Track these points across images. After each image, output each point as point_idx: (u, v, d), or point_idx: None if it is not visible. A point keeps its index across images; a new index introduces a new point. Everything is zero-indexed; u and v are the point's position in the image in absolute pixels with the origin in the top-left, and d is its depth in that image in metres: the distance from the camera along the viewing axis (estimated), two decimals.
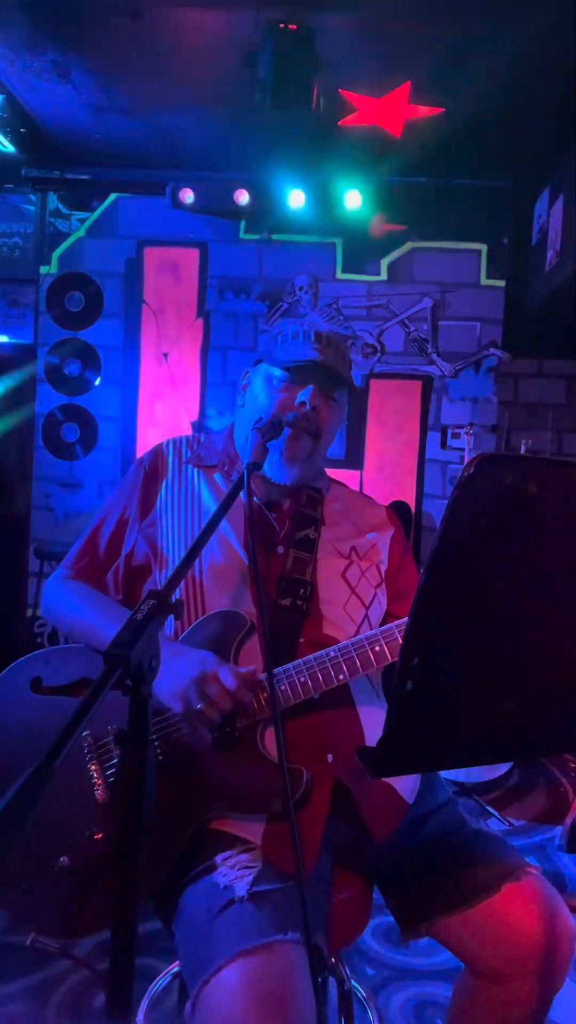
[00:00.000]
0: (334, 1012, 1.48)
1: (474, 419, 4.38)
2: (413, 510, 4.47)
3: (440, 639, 0.79)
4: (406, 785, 1.37)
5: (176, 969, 1.50)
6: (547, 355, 5.05)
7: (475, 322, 4.45)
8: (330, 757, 1.27)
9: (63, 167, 4.41)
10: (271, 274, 4.53)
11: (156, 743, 1.25)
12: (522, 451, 3.99)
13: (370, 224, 4.38)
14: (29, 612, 4.55)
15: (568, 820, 2.98)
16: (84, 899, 1.20)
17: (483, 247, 4.44)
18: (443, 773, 1.98)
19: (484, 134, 3.79)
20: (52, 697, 1.33)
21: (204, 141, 4.06)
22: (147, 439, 4.55)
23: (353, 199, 4.20)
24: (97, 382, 4.61)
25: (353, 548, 1.48)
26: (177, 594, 1.33)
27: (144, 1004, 1.58)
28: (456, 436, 4.39)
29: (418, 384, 4.50)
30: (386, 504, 1.65)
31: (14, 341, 4.74)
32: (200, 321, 4.57)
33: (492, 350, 4.45)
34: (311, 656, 1.25)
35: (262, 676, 1.23)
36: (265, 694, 1.24)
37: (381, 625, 1.29)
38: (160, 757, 1.25)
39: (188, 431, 4.51)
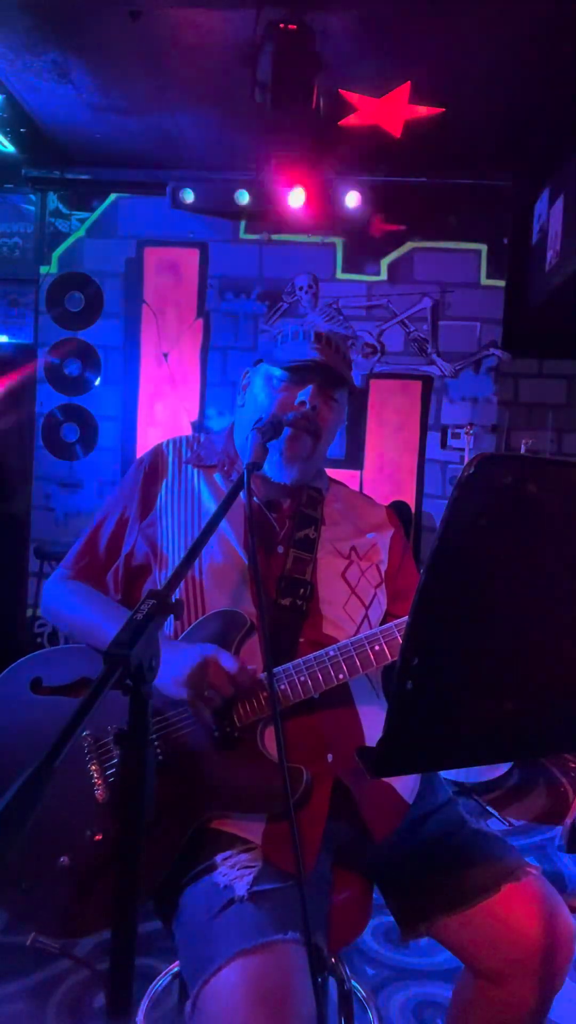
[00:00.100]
0: (334, 1012, 1.48)
1: (474, 419, 4.38)
2: (413, 510, 4.47)
3: (440, 639, 0.79)
4: (406, 785, 1.37)
5: (176, 969, 1.49)
6: (547, 355, 5.06)
7: (475, 322, 4.45)
8: (330, 757, 1.27)
9: (63, 167, 4.41)
10: (271, 274, 4.53)
11: (156, 743, 1.25)
12: (522, 451, 3.99)
13: (370, 224, 4.38)
14: (29, 612, 4.55)
15: (568, 820, 2.98)
16: (84, 899, 1.20)
17: (483, 247, 4.44)
18: (443, 773, 1.98)
19: (484, 134, 3.80)
20: (52, 697, 1.33)
21: (204, 141, 4.06)
22: (147, 439, 4.55)
23: (353, 199, 4.20)
24: (97, 382, 4.61)
25: (353, 548, 1.48)
26: (177, 594, 1.33)
27: (144, 1004, 1.58)
28: (456, 436, 4.40)
29: (418, 384, 4.50)
30: (386, 504, 1.65)
31: (14, 341, 4.74)
32: (200, 321, 4.57)
33: (492, 350, 4.45)
34: (311, 656, 1.25)
35: (262, 676, 1.24)
36: (265, 693, 1.24)
37: (381, 625, 1.29)
38: (160, 757, 1.25)
39: (188, 431, 4.52)
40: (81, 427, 4.62)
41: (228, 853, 1.20)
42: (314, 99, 3.03)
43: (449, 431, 4.47)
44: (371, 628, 1.30)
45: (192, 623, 1.34)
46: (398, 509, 4.22)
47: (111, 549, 1.48)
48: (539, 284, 4.24)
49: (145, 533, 1.45)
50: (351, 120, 3.57)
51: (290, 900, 1.10)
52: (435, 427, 4.50)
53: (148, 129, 3.95)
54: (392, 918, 1.37)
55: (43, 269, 4.60)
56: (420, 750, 0.85)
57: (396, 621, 1.26)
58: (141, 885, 0.84)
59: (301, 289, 4.51)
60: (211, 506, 1.44)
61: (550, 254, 4.02)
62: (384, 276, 4.51)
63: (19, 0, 2.88)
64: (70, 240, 4.61)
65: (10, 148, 4.17)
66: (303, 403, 1.39)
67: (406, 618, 1.22)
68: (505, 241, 4.43)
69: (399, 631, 1.24)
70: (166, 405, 4.61)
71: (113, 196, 4.57)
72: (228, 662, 1.20)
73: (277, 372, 1.42)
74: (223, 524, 1.38)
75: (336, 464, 4.42)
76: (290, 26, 2.84)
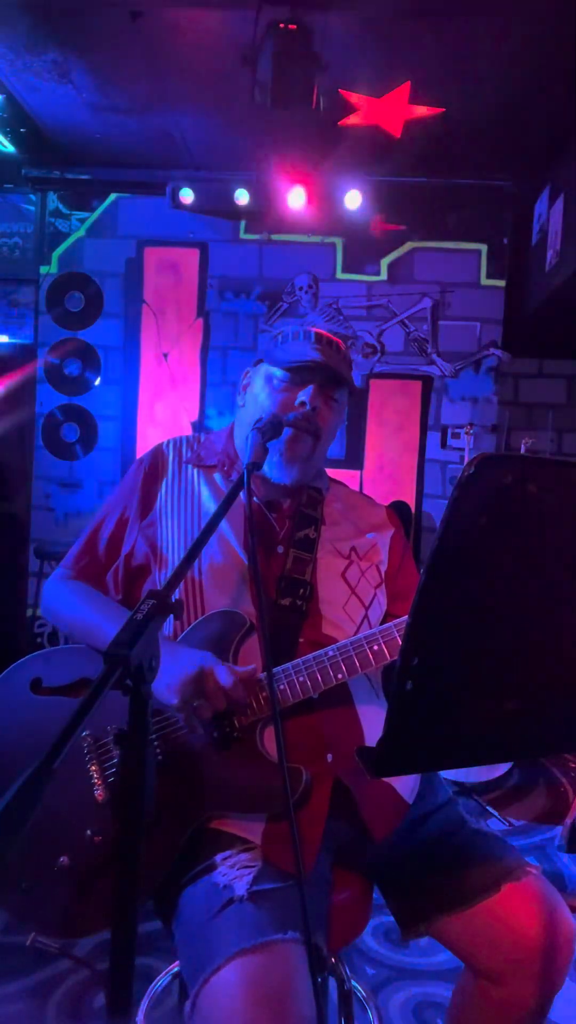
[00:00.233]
0: (334, 1012, 1.48)
1: (474, 419, 4.38)
2: (413, 510, 4.47)
3: (440, 639, 0.79)
4: (406, 785, 1.37)
5: (176, 969, 1.49)
6: (547, 355, 5.06)
7: (475, 322, 4.45)
8: (330, 757, 1.27)
9: (63, 167, 4.41)
10: (271, 274, 4.53)
11: (156, 743, 1.25)
12: (522, 451, 3.99)
13: (370, 224, 4.38)
14: (29, 612, 4.55)
15: (568, 820, 2.98)
16: (84, 899, 1.20)
17: (483, 247, 4.44)
18: (443, 773, 1.98)
19: (484, 134, 3.79)
20: (52, 697, 1.33)
21: (204, 141, 4.05)
22: (147, 439, 4.55)
23: (353, 199, 4.20)
24: (97, 382, 4.61)
25: (353, 548, 1.48)
26: (177, 594, 1.33)
27: (144, 1004, 1.58)
28: (456, 436, 4.39)
29: (418, 384, 4.50)
30: (386, 504, 1.65)
31: (14, 341, 4.74)
32: (200, 321, 4.57)
33: (492, 350, 4.45)
34: (310, 656, 1.25)
35: (261, 676, 1.24)
36: (264, 694, 1.24)
37: (381, 625, 1.29)
38: (160, 757, 1.25)
39: (188, 431, 4.51)
40: (81, 427, 4.62)
41: (228, 853, 1.20)
42: (314, 99, 3.03)
43: (449, 431, 4.47)
44: (371, 628, 1.30)
45: (192, 623, 1.34)
46: (398, 509, 4.22)
47: (111, 549, 1.48)
48: (539, 284, 4.24)
49: (145, 533, 1.45)
50: (351, 120, 3.57)
51: (290, 900, 1.10)
52: (435, 427, 4.50)
53: (148, 129, 3.95)
54: (392, 918, 1.37)
55: (43, 269, 4.60)
56: (420, 750, 0.85)
57: (395, 621, 1.26)
58: (141, 885, 0.84)
59: (301, 289, 4.51)
60: (211, 506, 1.44)
61: (550, 254, 4.02)
62: (384, 276, 4.51)
63: (19, 0, 2.88)
64: (70, 240, 4.61)
65: (10, 148, 4.17)
66: (303, 403, 1.39)
67: (405, 618, 1.22)
68: (505, 241, 4.43)
69: (398, 631, 1.24)
70: (166, 405, 4.61)
71: (113, 196, 4.57)
72: (224, 676, 1.19)
73: (277, 372, 1.42)
74: (223, 524, 1.38)
75: (336, 464, 4.42)
76: (290, 26, 2.84)
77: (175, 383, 4.59)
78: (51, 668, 1.36)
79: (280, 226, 4.44)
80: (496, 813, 3.20)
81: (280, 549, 1.42)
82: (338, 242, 4.51)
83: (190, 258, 4.57)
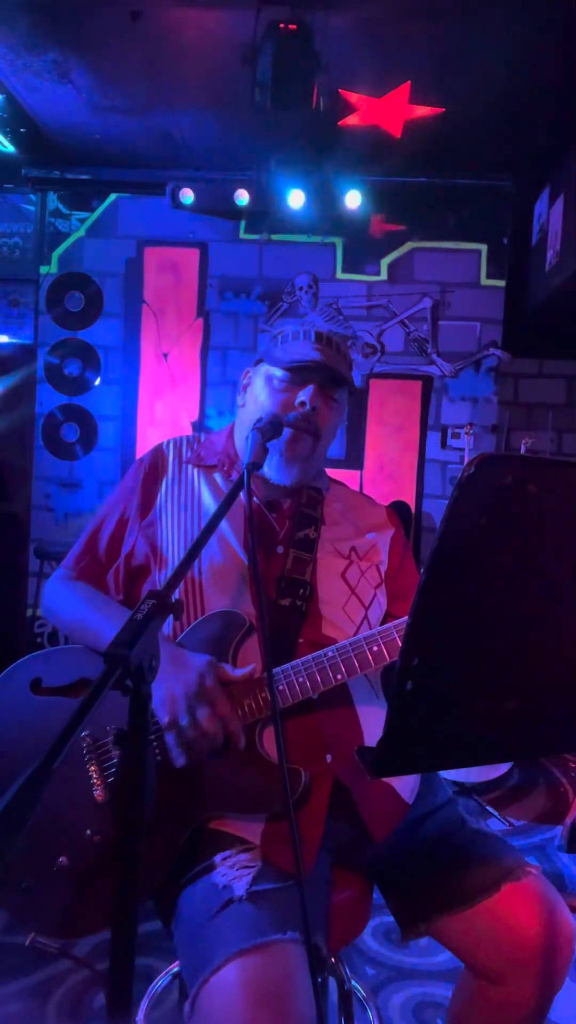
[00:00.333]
0: (334, 1012, 1.48)
1: (474, 419, 4.38)
2: (413, 510, 4.47)
3: (440, 639, 0.79)
4: (406, 785, 1.37)
5: (176, 969, 1.50)
6: (547, 355, 5.06)
7: (475, 322, 4.45)
8: (329, 757, 1.27)
9: (63, 167, 4.41)
10: (271, 274, 4.53)
11: (155, 743, 1.25)
12: (522, 451, 3.99)
13: (370, 224, 4.38)
14: (29, 612, 4.55)
15: (568, 820, 2.98)
16: (84, 899, 1.20)
17: (483, 247, 4.44)
18: (443, 773, 1.98)
19: (484, 134, 3.79)
20: (52, 698, 1.33)
21: (204, 141, 4.05)
22: (147, 439, 4.55)
23: (353, 199, 4.20)
24: (97, 382, 4.61)
25: (353, 548, 1.48)
26: (177, 594, 1.33)
27: (144, 1004, 1.58)
28: (456, 436, 4.39)
29: (418, 384, 4.50)
30: (386, 504, 1.65)
31: (14, 341, 4.74)
32: (200, 321, 4.57)
33: (492, 350, 4.45)
34: (309, 656, 1.25)
35: (261, 676, 1.24)
36: (264, 694, 1.24)
37: (380, 625, 1.29)
38: (159, 757, 1.24)
39: (188, 431, 4.51)
40: (81, 427, 4.62)
41: (227, 853, 1.20)
42: (314, 99, 3.03)
43: (449, 431, 4.47)
44: (371, 628, 1.30)
45: (191, 623, 1.34)
46: (398, 509, 4.22)
47: (111, 549, 1.48)
48: (539, 284, 4.24)
49: (145, 533, 1.45)
50: (351, 120, 3.57)
51: (289, 900, 1.10)
52: (435, 427, 4.50)
53: (148, 129, 3.95)
54: (392, 918, 1.37)
55: (43, 269, 4.60)
56: (420, 750, 0.85)
57: (395, 622, 1.26)
58: (141, 885, 0.84)
59: (301, 289, 4.51)
60: (211, 506, 1.44)
61: (550, 254, 4.02)
62: (384, 276, 4.51)
63: (19, 0, 2.88)
64: (70, 240, 4.61)
65: (10, 148, 4.17)
66: (303, 403, 1.39)
67: (405, 619, 1.22)
68: (505, 241, 4.43)
69: (398, 632, 1.24)
70: (166, 405, 4.61)
71: (113, 196, 4.57)
72: (223, 708, 1.20)
73: (277, 372, 1.42)
74: (223, 524, 1.38)
75: (336, 464, 4.41)
76: (290, 26, 2.84)
77: (175, 383, 4.59)
78: (51, 668, 1.35)
79: (280, 226, 4.44)
80: (496, 813, 3.20)
81: (280, 549, 1.42)
82: (338, 242, 4.51)
83: (190, 258, 4.57)
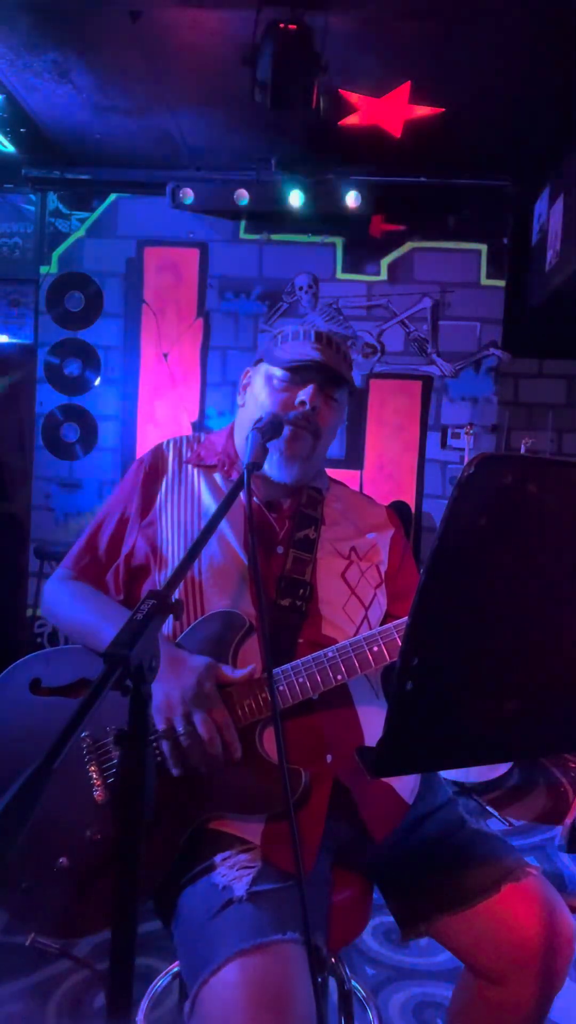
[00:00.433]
0: (334, 1012, 1.48)
1: (474, 419, 4.38)
2: (413, 510, 4.47)
3: (440, 639, 0.79)
4: (406, 785, 1.37)
5: (176, 969, 1.50)
6: (547, 355, 5.06)
7: (475, 322, 4.45)
8: (329, 757, 1.27)
9: (63, 167, 4.40)
10: (271, 274, 4.53)
11: (155, 744, 1.25)
12: (522, 451, 3.99)
13: (370, 224, 4.38)
14: (29, 612, 4.55)
15: (568, 820, 2.98)
16: (84, 899, 1.20)
17: (483, 247, 4.44)
18: (443, 773, 1.98)
19: (484, 134, 3.79)
20: (51, 698, 1.33)
21: (204, 141, 4.05)
22: (147, 439, 4.55)
23: (353, 199, 4.20)
24: (97, 382, 4.61)
25: (353, 548, 1.48)
26: (177, 594, 1.33)
27: (144, 1004, 1.58)
28: (456, 436, 4.39)
29: (418, 384, 4.50)
30: (386, 504, 1.65)
31: (14, 341, 4.74)
32: (200, 321, 4.57)
33: (492, 350, 4.45)
34: (309, 657, 1.25)
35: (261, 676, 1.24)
36: (264, 695, 1.24)
37: (381, 626, 1.29)
38: (159, 758, 1.24)
39: (188, 431, 4.51)
40: (81, 427, 4.62)
41: (227, 853, 1.20)
42: (314, 99, 3.02)
43: (449, 431, 4.47)
44: (371, 629, 1.30)
45: (191, 623, 1.34)
46: (398, 509, 4.22)
47: (111, 549, 1.48)
48: (539, 284, 4.24)
49: (145, 533, 1.45)
50: (351, 120, 3.57)
51: (289, 900, 1.10)
52: (435, 427, 4.50)
53: (148, 129, 3.94)
54: (392, 918, 1.37)
55: (43, 269, 4.60)
56: (420, 750, 0.85)
57: (395, 622, 1.26)
58: (141, 885, 0.84)
59: (301, 289, 4.51)
60: (211, 506, 1.44)
61: (550, 254, 4.02)
62: (384, 276, 4.51)
63: (19, 0, 2.88)
64: (70, 240, 4.61)
65: (10, 148, 4.17)
66: (303, 403, 1.39)
67: (405, 619, 1.22)
68: (505, 241, 4.43)
69: (398, 632, 1.24)
70: (166, 405, 4.61)
71: (113, 196, 4.57)
72: (221, 715, 1.20)
73: (277, 372, 1.42)
74: (223, 524, 1.38)
75: (336, 464, 4.41)
76: (290, 26, 2.84)
77: (175, 383, 4.59)
78: (51, 668, 1.35)
79: (280, 226, 4.44)
80: (496, 813, 3.20)
81: (280, 549, 1.42)
82: (338, 242, 4.51)
83: (190, 258, 4.56)
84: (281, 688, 1.24)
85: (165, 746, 1.21)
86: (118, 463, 4.59)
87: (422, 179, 4.24)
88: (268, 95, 2.97)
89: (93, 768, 1.26)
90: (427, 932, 1.31)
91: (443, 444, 4.49)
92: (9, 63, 3.34)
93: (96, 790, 1.25)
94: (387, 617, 1.47)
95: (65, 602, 1.46)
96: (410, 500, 4.47)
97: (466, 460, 3.34)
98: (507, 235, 4.43)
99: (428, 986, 2.16)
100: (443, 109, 3.49)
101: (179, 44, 3.15)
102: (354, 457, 4.51)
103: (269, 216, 4.35)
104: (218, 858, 1.19)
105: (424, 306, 4.48)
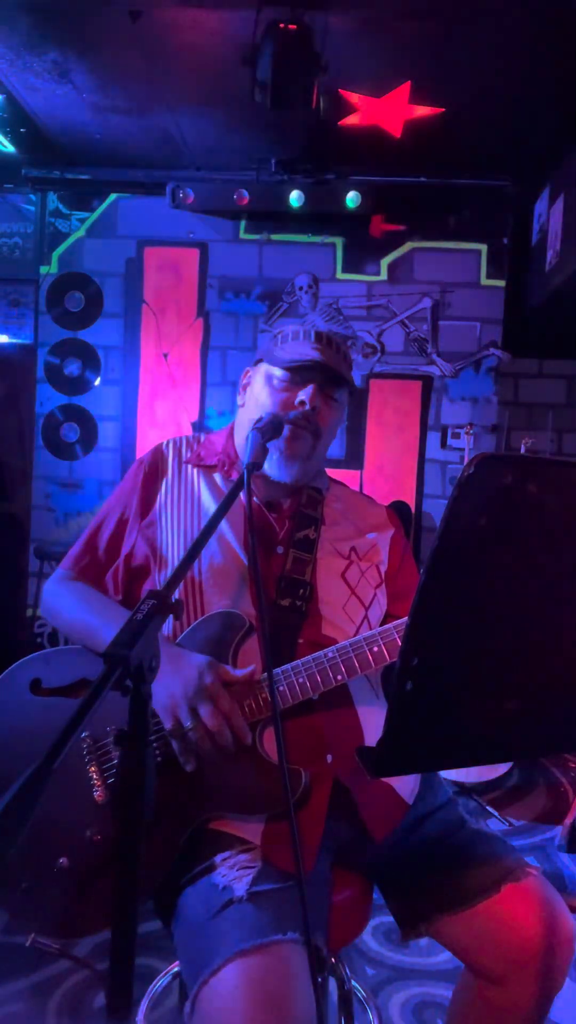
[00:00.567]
0: (334, 1012, 1.48)
1: (474, 419, 4.38)
2: (413, 510, 4.47)
3: (440, 639, 0.79)
4: (405, 785, 1.37)
5: (176, 969, 1.50)
6: (547, 355, 5.06)
7: (475, 322, 4.45)
8: (329, 757, 1.27)
9: (63, 167, 4.40)
10: (271, 274, 4.53)
11: (155, 744, 1.25)
12: (522, 451, 3.99)
13: (370, 224, 4.38)
14: (29, 612, 4.55)
15: (568, 820, 2.98)
16: (84, 899, 1.20)
17: (483, 247, 4.44)
18: (443, 773, 1.98)
19: (484, 134, 3.79)
20: (51, 698, 1.33)
21: (204, 141, 4.05)
22: (147, 439, 4.55)
23: (353, 199, 4.20)
24: (97, 382, 4.61)
25: (353, 548, 1.48)
26: (177, 594, 1.33)
27: (144, 1004, 1.58)
28: (456, 436, 4.39)
29: (418, 384, 4.50)
30: (386, 504, 1.65)
31: (14, 341, 4.74)
32: (200, 321, 4.57)
33: (492, 350, 4.45)
34: (309, 657, 1.25)
35: (262, 676, 1.24)
36: (264, 695, 1.24)
37: (381, 626, 1.29)
38: (159, 758, 1.25)
39: (188, 431, 4.51)
40: (81, 427, 4.62)
41: (227, 853, 1.20)
42: (314, 99, 3.02)
43: (449, 431, 4.47)
44: (371, 629, 1.30)
45: (191, 623, 1.34)
46: (398, 509, 4.22)
47: (111, 549, 1.48)
48: (539, 284, 4.24)
49: (145, 533, 1.45)
50: (351, 120, 3.57)
51: (289, 900, 1.10)
52: (435, 427, 4.50)
53: (148, 129, 3.94)
54: (392, 918, 1.37)
55: (43, 269, 4.60)
56: (420, 750, 0.85)
57: (395, 623, 1.26)
58: (141, 885, 0.84)
59: (301, 289, 4.51)
60: (211, 506, 1.44)
61: (550, 254, 4.02)
62: (384, 276, 4.51)
63: (19, 0, 2.88)
64: (70, 240, 4.61)
65: (10, 148, 4.17)
66: (303, 403, 1.39)
67: (405, 619, 1.22)
68: (505, 241, 4.43)
69: (397, 633, 1.24)
70: (166, 405, 4.61)
71: (113, 196, 4.57)
72: (225, 704, 1.20)
73: (277, 372, 1.42)
74: (223, 524, 1.38)
75: (336, 464, 4.41)
76: (290, 26, 2.84)
77: (175, 383, 4.59)
78: (51, 669, 1.35)
79: (280, 226, 4.44)
80: (496, 813, 3.20)
81: (280, 549, 1.42)
82: (338, 242, 4.51)
83: (190, 258, 4.56)
84: (281, 688, 1.24)
85: (175, 743, 1.21)
86: (118, 463, 4.59)
87: (422, 179, 4.24)
88: (268, 95, 2.97)
89: (93, 768, 1.26)
90: (427, 932, 1.31)
91: (443, 444, 4.49)
92: (9, 63, 3.34)
93: (96, 790, 1.25)
94: (387, 617, 1.47)
95: (65, 602, 1.46)
96: (410, 500, 4.47)
97: (466, 460, 3.34)
98: (507, 235, 4.43)
99: (428, 986, 2.16)
100: (443, 109, 3.49)
101: (179, 44, 3.15)
102: (354, 457, 4.51)
103: (269, 216, 4.35)
104: (218, 858, 1.19)
105: (424, 306, 4.48)
